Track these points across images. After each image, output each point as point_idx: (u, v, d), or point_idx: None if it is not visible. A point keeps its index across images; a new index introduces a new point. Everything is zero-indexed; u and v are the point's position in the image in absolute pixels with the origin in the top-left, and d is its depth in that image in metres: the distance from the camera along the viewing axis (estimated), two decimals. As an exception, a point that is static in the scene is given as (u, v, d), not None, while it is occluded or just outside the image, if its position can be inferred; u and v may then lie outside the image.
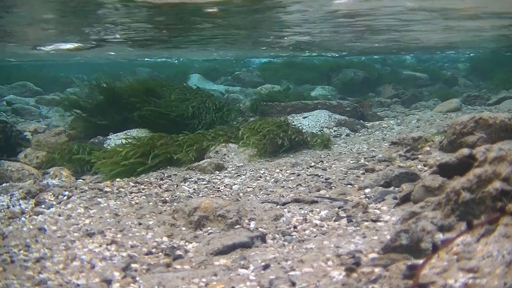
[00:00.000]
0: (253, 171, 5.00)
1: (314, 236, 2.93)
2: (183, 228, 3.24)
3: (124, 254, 2.86)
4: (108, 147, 6.41)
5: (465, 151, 2.61)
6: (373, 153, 5.43)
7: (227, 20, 9.71)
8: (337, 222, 3.11)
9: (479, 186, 2.21)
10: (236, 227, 3.19)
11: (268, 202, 3.67)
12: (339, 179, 4.28)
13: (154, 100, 7.43)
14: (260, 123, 6.40)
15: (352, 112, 9.27)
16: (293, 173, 4.67)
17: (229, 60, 24.38)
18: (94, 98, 8.01)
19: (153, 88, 7.87)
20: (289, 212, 3.40)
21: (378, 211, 3.21)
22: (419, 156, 4.59)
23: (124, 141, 6.07)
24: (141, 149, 5.54)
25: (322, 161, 5.18)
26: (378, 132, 7.84)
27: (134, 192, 4.32)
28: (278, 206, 3.54)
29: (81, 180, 5.35)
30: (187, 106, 7.41)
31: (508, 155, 2.21)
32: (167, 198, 4.06)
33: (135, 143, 5.79)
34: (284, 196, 3.85)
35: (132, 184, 4.63)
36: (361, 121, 8.76)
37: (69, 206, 3.87)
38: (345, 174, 4.45)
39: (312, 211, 3.36)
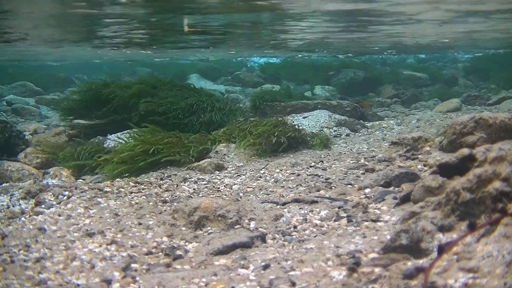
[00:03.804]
0: (253, 171, 5.00)
1: (314, 236, 2.93)
2: (183, 228, 3.24)
3: (124, 254, 2.86)
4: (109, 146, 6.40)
5: (465, 151, 2.61)
6: (373, 153, 5.43)
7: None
8: (337, 222, 3.11)
9: (479, 186, 2.21)
10: (236, 227, 3.19)
11: (268, 202, 3.67)
12: (339, 179, 4.28)
13: (151, 99, 7.40)
14: (253, 124, 6.22)
15: (352, 112, 9.27)
16: (293, 173, 4.67)
17: (229, 60, 24.38)
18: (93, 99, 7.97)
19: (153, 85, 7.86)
20: (289, 212, 3.40)
21: (378, 211, 3.21)
22: (419, 156, 4.59)
23: (126, 139, 6.01)
24: (147, 146, 5.49)
25: (322, 161, 5.18)
26: (378, 132, 7.84)
27: (134, 192, 4.32)
28: (278, 206, 3.54)
29: (81, 180, 5.34)
30: (185, 103, 7.39)
31: (508, 155, 2.21)
32: (167, 198, 4.06)
33: (142, 139, 5.71)
34: (284, 196, 3.85)
35: (132, 184, 4.63)
36: (361, 121, 8.76)
37: (69, 206, 3.87)
38: (345, 174, 4.45)
39: (312, 211, 3.36)
